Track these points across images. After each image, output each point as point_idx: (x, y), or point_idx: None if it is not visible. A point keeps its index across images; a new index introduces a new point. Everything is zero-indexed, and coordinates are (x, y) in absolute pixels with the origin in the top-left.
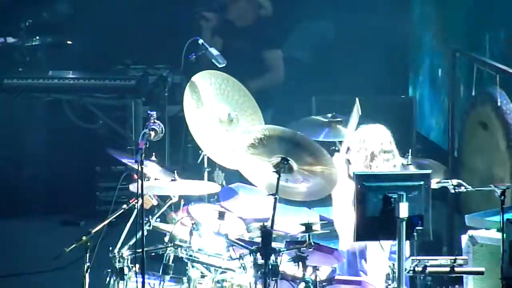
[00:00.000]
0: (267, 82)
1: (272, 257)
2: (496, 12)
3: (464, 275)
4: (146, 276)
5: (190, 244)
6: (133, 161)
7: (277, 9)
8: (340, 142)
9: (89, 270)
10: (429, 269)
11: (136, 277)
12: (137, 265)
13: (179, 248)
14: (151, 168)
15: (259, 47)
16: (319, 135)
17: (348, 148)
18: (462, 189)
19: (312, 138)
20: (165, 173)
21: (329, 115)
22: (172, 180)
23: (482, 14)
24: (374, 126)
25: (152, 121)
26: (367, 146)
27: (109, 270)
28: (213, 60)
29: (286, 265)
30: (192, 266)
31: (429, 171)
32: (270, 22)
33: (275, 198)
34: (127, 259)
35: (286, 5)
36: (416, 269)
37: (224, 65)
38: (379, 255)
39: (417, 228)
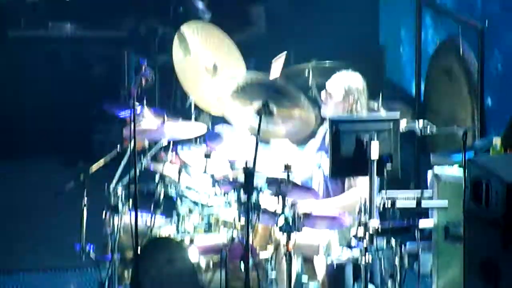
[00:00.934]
0: (247, 33)
1: (254, 194)
2: None
3: (430, 209)
4: (138, 211)
5: (179, 182)
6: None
7: None
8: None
9: (86, 206)
10: (397, 203)
11: (130, 212)
12: (130, 201)
13: (168, 186)
14: (147, 116)
15: (244, 1)
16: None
17: (329, 94)
18: (428, 129)
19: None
20: (155, 114)
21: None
22: (162, 123)
23: None
24: (354, 76)
25: (143, 69)
26: (351, 97)
27: (105, 206)
28: (199, 12)
29: (267, 200)
30: (181, 203)
31: (397, 113)
32: None
33: (257, 139)
34: (121, 196)
35: None
36: (386, 205)
37: (209, 17)
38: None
39: (387, 166)
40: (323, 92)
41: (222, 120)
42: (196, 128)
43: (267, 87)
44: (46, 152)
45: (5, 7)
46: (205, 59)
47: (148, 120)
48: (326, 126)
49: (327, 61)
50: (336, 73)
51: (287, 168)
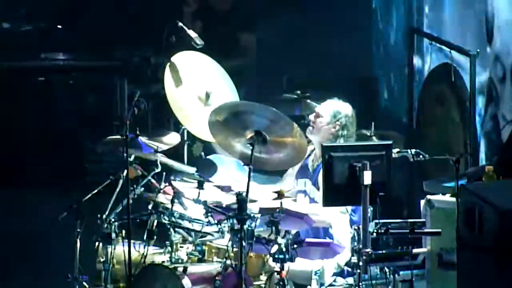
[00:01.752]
0: (239, 62)
1: (248, 222)
2: None
3: (423, 236)
4: (131, 241)
5: (172, 211)
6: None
7: None
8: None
9: (79, 236)
10: (391, 231)
11: (123, 242)
12: (124, 231)
13: (162, 215)
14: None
15: (235, 29)
16: (294, 112)
17: (317, 115)
18: (420, 157)
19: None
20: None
21: (298, 91)
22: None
23: None
24: (345, 104)
25: (136, 98)
26: (338, 122)
27: (98, 236)
28: (191, 42)
29: (260, 229)
30: (174, 231)
31: (390, 142)
32: (246, 6)
33: (250, 168)
34: (114, 225)
35: None
36: (379, 231)
37: (201, 46)
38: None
39: (379, 194)
40: (311, 115)
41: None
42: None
43: (259, 115)
44: (40, 181)
45: None
46: (197, 87)
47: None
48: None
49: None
50: (328, 100)
51: (280, 195)
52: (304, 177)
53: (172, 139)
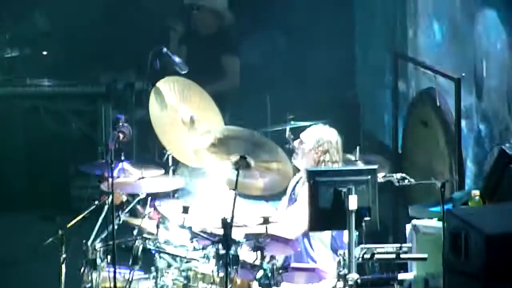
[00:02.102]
0: (222, 87)
1: (233, 248)
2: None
3: (409, 261)
4: (117, 267)
5: (157, 237)
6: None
7: (238, 19)
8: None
9: (65, 261)
10: (376, 256)
11: (108, 267)
12: (109, 257)
13: (147, 240)
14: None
15: (219, 53)
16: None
17: (301, 141)
18: (406, 182)
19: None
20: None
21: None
22: (140, 178)
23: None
24: (329, 130)
25: (121, 124)
26: (320, 147)
27: (83, 261)
28: (175, 67)
29: (246, 254)
30: (160, 257)
31: (375, 166)
32: (230, 30)
33: (235, 193)
34: (100, 251)
35: (247, 15)
36: (365, 256)
37: (185, 71)
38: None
39: (365, 218)
40: (296, 141)
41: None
42: (173, 182)
43: (244, 140)
44: (24, 206)
45: None
46: (182, 112)
47: (126, 174)
48: (295, 177)
49: (303, 118)
50: (312, 126)
51: (265, 221)
52: (292, 203)
53: (155, 173)
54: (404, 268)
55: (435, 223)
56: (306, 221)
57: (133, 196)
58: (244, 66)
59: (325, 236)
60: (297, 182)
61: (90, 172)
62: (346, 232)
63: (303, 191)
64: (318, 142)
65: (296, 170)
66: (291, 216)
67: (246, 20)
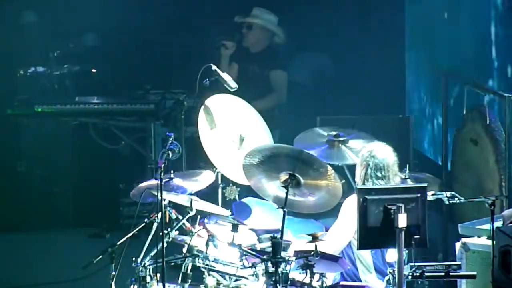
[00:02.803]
0: (270, 102)
1: (282, 266)
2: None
3: (458, 279)
4: (166, 284)
5: (207, 254)
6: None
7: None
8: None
9: (114, 279)
10: (426, 274)
11: (158, 285)
12: (158, 274)
13: (196, 258)
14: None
15: (268, 69)
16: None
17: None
18: (455, 200)
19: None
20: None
21: (334, 132)
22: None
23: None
24: (378, 145)
25: (170, 141)
26: (364, 163)
27: (133, 278)
28: (225, 85)
29: (295, 272)
30: (209, 275)
31: (425, 184)
32: (280, 47)
33: (284, 211)
34: (149, 269)
35: (296, 33)
36: (415, 274)
37: (235, 89)
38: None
39: (414, 236)
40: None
41: (249, 189)
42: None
43: (293, 158)
44: (74, 224)
45: (34, 80)
46: (231, 130)
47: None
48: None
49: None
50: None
51: (315, 239)
52: None
53: (206, 177)
54: (454, 286)
55: (485, 241)
56: (346, 236)
57: (182, 214)
58: (292, 83)
59: (366, 255)
60: None
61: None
62: (390, 250)
63: (345, 207)
64: (362, 156)
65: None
66: (332, 232)
67: (295, 37)
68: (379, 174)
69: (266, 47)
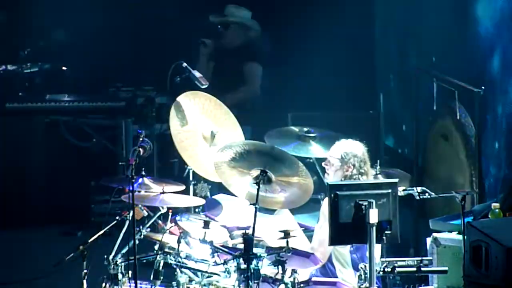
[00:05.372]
0: (244, 94)
1: (254, 262)
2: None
3: (430, 274)
4: (138, 282)
5: (178, 251)
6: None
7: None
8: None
9: (86, 276)
10: (397, 270)
11: (129, 282)
12: (130, 272)
13: (168, 255)
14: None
15: (243, 62)
16: (288, 146)
17: (328, 161)
18: (426, 195)
19: (281, 148)
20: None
21: (305, 129)
22: (161, 193)
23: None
24: (353, 144)
25: (141, 139)
26: (347, 165)
27: (105, 276)
28: (196, 82)
29: (267, 268)
30: (181, 272)
31: (396, 180)
32: (256, 41)
33: (256, 208)
34: (121, 266)
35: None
36: (386, 269)
37: (206, 86)
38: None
39: (386, 232)
40: (324, 162)
41: (220, 186)
42: (194, 199)
43: (265, 154)
44: (46, 222)
45: (3, 79)
46: (203, 127)
47: (147, 189)
48: None
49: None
50: (336, 142)
51: (286, 235)
52: None
53: (176, 188)
54: (425, 281)
55: (456, 236)
56: None
57: (154, 211)
58: (266, 79)
59: (345, 251)
60: None
61: (111, 186)
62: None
63: (325, 209)
64: (344, 159)
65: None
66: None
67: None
68: (362, 171)
69: (242, 42)
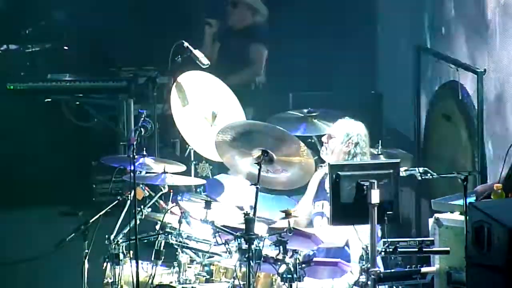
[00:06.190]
0: (247, 75)
1: (255, 242)
2: None
3: (431, 255)
4: (139, 262)
5: (180, 231)
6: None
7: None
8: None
9: (87, 256)
10: (399, 250)
11: (131, 262)
12: (131, 251)
13: (169, 235)
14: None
15: (248, 44)
16: (297, 130)
17: (329, 136)
18: (428, 176)
19: (292, 133)
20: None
21: (305, 110)
22: (162, 172)
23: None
24: (357, 123)
25: (142, 118)
26: (350, 140)
27: (106, 256)
28: (197, 62)
29: (268, 249)
30: (182, 252)
31: (397, 160)
32: (263, 23)
33: (257, 188)
34: (122, 246)
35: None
36: (388, 250)
37: (207, 66)
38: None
39: (387, 212)
40: (324, 137)
41: (222, 166)
42: (195, 180)
43: (266, 134)
44: (47, 201)
45: (5, 58)
46: (204, 107)
47: (147, 169)
48: (320, 172)
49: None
50: (339, 120)
51: (288, 215)
52: (321, 198)
53: (177, 168)
54: (427, 261)
55: (458, 216)
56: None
57: (155, 191)
58: (269, 60)
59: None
60: (324, 177)
61: (112, 165)
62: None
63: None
64: (348, 135)
65: (320, 163)
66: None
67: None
68: (365, 150)
69: (249, 24)
